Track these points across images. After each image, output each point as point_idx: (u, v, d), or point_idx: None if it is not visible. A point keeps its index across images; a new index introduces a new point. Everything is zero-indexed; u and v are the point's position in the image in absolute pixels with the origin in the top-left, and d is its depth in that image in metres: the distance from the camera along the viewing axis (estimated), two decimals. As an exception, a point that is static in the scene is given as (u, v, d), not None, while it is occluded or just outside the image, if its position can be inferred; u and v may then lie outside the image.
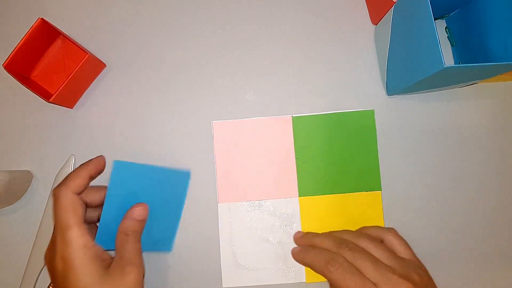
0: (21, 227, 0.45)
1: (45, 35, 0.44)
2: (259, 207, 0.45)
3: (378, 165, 0.45)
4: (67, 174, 0.44)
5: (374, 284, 0.35)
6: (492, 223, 0.45)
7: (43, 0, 0.47)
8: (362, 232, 0.41)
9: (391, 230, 0.40)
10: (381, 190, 0.45)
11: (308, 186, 0.45)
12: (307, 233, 0.43)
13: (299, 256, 0.41)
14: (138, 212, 0.37)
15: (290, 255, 0.43)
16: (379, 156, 0.45)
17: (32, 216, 0.45)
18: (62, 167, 0.45)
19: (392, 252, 0.38)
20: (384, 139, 0.45)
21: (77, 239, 0.33)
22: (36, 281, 0.44)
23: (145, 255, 0.38)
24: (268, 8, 0.47)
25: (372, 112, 0.45)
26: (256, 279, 0.44)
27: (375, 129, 0.45)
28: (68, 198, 0.34)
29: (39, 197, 0.45)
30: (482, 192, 0.45)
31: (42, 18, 0.42)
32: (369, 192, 0.45)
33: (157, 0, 0.47)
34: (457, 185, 0.45)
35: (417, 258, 0.39)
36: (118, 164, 0.36)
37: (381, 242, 0.39)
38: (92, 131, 0.46)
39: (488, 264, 0.45)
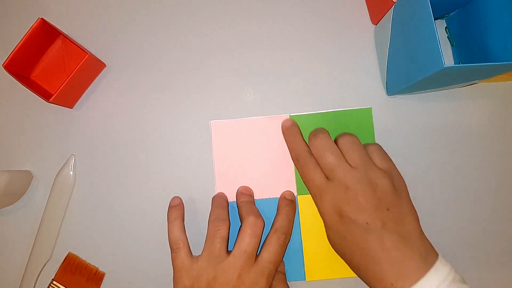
0: (21, 227, 0.45)
1: (45, 35, 0.44)
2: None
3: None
4: (67, 174, 0.45)
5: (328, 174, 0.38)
6: (491, 223, 0.45)
7: (43, 0, 0.47)
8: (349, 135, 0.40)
9: (374, 144, 0.40)
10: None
11: (307, 185, 0.45)
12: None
13: (286, 135, 0.44)
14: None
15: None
16: (379, 156, 0.45)
17: (32, 216, 0.45)
18: (62, 167, 0.45)
19: (367, 156, 0.38)
20: (384, 139, 0.45)
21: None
22: (36, 281, 0.44)
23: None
24: (267, 7, 0.47)
25: (369, 110, 0.45)
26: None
27: (373, 127, 0.45)
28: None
29: (39, 197, 0.46)
30: (482, 192, 0.45)
31: (42, 18, 0.42)
32: None
33: (156, 0, 0.47)
34: (456, 185, 0.45)
35: (395, 172, 0.39)
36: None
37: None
38: (92, 131, 0.46)
39: (487, 264, 0.45)
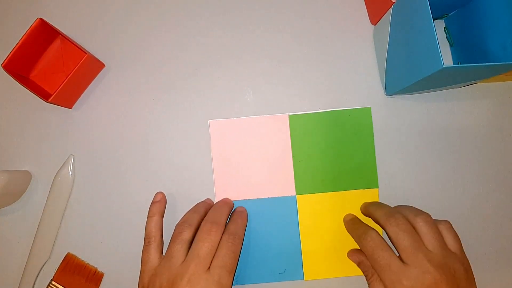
0: (20, 227, 0.45)
1: (44, 35, 0.44)
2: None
3: (375, 162, 0.45)
4: (66, 174, 0.45)
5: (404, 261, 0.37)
6: (491, 223, 0.45)
7: (42, 0, 0.47)
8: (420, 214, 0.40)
9: (446, 222, 0.40)
10: (378, 188, 0.45)
11: (306, 184, 0.45)
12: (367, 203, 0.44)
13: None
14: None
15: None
16: (377, 156, 0.45)
17: (31, 216, 0.45)
18: (61, 167, 0.45)
19: (442, 239, 0.38)
20: (383, 139, 0.45)
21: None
22: (35, 281, 0.44)
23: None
24: (266, 8, 0.47)
25: (369, 109, 0.45)
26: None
27: (372, 127, 0.45)
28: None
29: (38, 197, 0.45)
30: (481, 192, 0.45)
31: (41, 18, 0.42)
32: (366, 189, 0.45)
33: (155, 1, 0.47)
34: (455, 184, 0.45)
35: (463, 254, 0.39)
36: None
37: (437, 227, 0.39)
38: (91, 131, 0.46)
39: (486, 264, 0.45)
